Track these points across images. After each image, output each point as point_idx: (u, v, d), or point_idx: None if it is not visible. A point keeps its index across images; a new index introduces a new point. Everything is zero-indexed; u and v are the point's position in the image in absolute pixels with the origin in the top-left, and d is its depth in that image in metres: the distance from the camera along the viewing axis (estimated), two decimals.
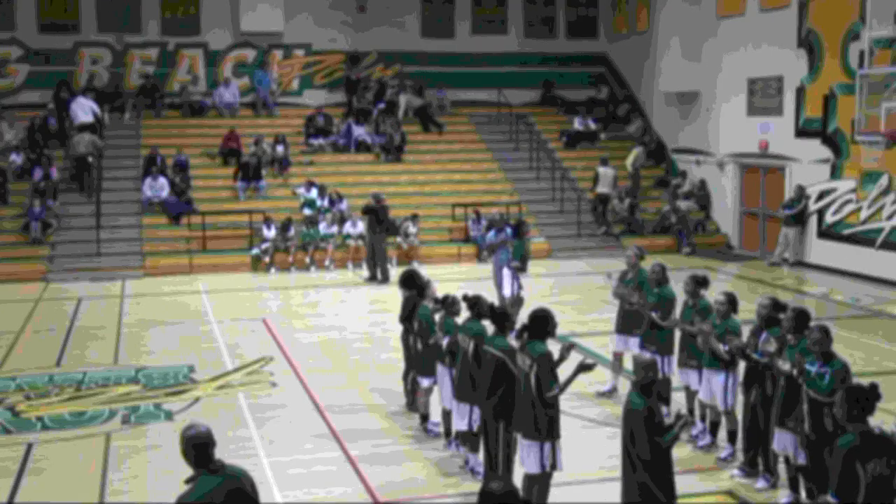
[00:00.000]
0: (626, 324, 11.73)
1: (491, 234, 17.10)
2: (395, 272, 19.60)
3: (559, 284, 20.04)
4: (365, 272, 21.00)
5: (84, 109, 24.47)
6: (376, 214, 20.55)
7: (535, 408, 7.87)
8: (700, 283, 10.26)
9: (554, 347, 8.07)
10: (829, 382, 7.82)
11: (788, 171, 22.40)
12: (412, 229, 22.38)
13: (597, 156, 27.19)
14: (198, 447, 5.42)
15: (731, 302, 9.63)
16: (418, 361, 10.69)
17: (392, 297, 17.09)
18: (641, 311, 11.08)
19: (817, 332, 8.03)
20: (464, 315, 9.75)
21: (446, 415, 10.03)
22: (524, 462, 8.05)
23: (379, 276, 20.22)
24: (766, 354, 8.56)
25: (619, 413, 8.24)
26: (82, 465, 9.84)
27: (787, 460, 8.62)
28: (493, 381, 8.34)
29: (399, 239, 22.23)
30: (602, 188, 24.75)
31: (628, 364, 11.98)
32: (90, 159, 23.50)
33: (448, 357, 9.81)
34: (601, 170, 24.91)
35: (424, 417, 10.71)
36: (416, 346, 10.75)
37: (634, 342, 11.61)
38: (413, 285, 11.17)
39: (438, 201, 24.35)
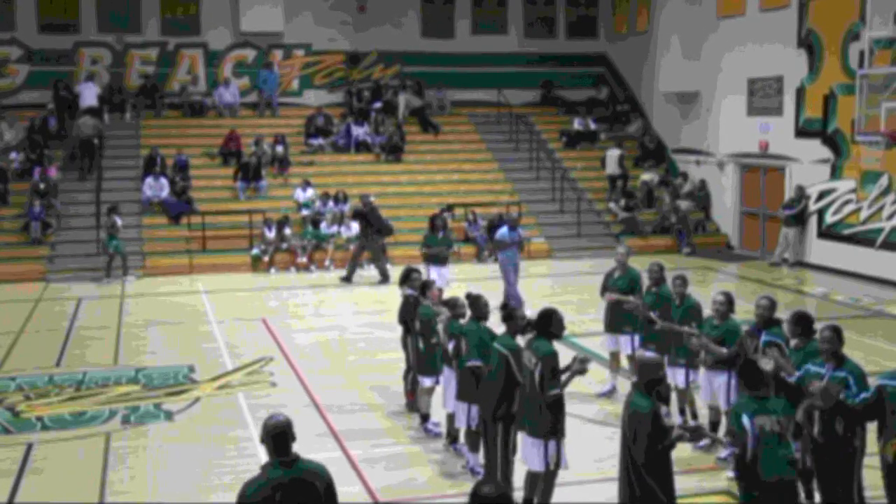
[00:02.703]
0: (616, 322, 11.78)
1: (504, 231, 17.14)
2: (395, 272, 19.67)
3: (559, 284, 20.05)
4: (372, 270, 21.09)
5: (92, 93, 24.97)
6: (365, 218, 20.52)
7: (539, 406, 7.87)
8: (685, 281, 10.45)
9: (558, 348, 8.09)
10: (864, 396, 7.37)
11: (788, 171, 22.40)
12: None
13: (597, 156, 27.26)
14: (275, 437, 5.53)
15: (731, 302, 9.62)
16: (419, 361, 10.68)
17: (392, 297, 17.09)
18: (636, 313, 11.11)
19: (828, 331, 7.68)
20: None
21: (450, 417, 9.99)
22: (527, 460, 8.06)
23: (379, 276, 20.19)
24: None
25: (618, 412, 8.25)
26: (82, 465, 9.83)
27: None
28: (497, 380, 8.34)
29: None
30: (609, 169, 25.65)
31: (622, 362, 12.07)
32: (95, 141, 23.79)
33: (455, 360, 9.75)
34: (609, 152, 25.84)
35: (425, 417, 10.70)
36: (416, 346, 10.75)
37: (625, 340, 11.66)
38: (413, 285, 11.17)
39: (438, 201, 24.30)
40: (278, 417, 5.61)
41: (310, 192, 23.45)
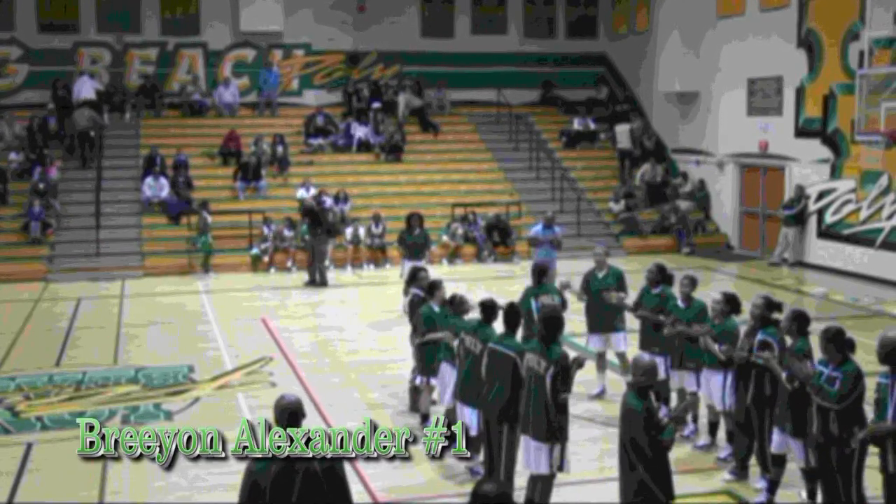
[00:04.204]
0: (603, 323, 11.78)
1: (538, 228, 17.14)
2: (381, 273, 19.77)
3: (558, 284, 19.97)
4: (371, 270, 20.97)
5: (88, 87, 24.91)
6: (316, 216, 20.35)
7: (548, 410, 7.85)
8: (693, 282, 10.38)
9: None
10: (837, 388, 7.56)
11: (788, 171, 22.40)
12: (375, 229, 22.27)
13: (597, 156, 27.28)
14: (290, 415, 5.67)
15: (729, 302, 9.55)
16: (417, 360, 10.68)
17: (393, 297, 17.11)
18: (624, 309, 11.12)
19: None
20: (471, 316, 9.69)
21: (450, 412, 9.96)
22: (531, 464, 8.03)
23: (317, 278, 19.89)
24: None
25: (613, 412, 8.26)
26: (82, 465, 9.80)
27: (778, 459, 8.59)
28: (504, 382, 8.33)
29: (368, 241, 22.20)
30: (621, 144, 26.31)
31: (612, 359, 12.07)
32: (91, 133, 23.81)
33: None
34: (617, 128, 26.43)
35: (425, 417, 10.69)
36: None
37: (616, 339, 11.69)
38: (420, 284, 11.14)
39: (438, 201, 24.33)
40: (289, 397, 5.73)
41: (310, 192, 23.43)
